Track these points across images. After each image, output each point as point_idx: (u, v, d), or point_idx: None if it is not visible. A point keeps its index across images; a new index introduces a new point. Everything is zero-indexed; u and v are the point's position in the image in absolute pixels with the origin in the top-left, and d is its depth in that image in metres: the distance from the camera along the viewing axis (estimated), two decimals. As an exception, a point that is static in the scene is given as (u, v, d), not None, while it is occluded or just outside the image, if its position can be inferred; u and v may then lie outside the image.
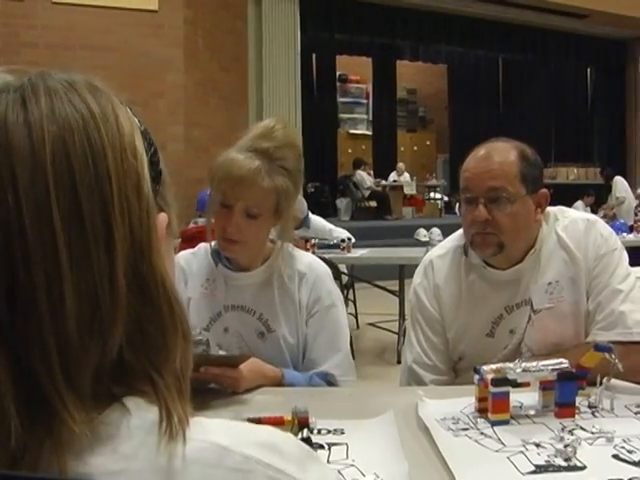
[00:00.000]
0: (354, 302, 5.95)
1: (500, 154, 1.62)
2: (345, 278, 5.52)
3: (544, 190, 1.67)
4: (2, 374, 0.48)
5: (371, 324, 5.92)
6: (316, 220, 5.70)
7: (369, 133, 15.52)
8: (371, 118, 15.56)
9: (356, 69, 15.69)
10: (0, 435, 0.47)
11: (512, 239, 1.62)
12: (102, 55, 7.19)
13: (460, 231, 1.78)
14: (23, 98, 0.52)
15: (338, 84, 15.27)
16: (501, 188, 1.59)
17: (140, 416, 0.52)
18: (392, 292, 5.35)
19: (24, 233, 0.48)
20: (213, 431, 0.54)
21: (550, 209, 1.73)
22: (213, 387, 1.50)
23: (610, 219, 8.06)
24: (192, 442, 0.51)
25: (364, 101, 16.11)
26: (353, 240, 5.47)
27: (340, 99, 15.49)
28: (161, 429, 0.51)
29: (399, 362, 4.28)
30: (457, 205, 2.02)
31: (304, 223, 5.51)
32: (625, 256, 1.68)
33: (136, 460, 0.50)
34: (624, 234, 6.62)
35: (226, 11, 8.93)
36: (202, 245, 1.75)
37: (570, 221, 1.70)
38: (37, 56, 7.06)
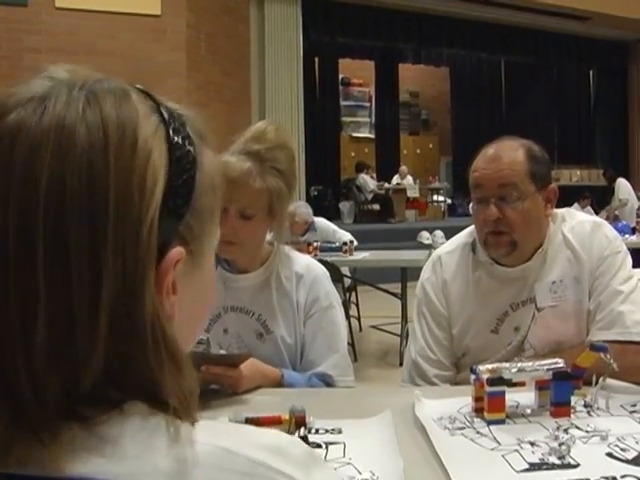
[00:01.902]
0: (357, 305, 5.97)
1: (508, 154, 1.65)
2: (348, 281, 5.54)
3: (552, 185, 1.70)
4: None
5: (374, 327, 5.92)
6: (320, 222, 5.78)
7: (372, 136, 15.52)
8: (374, 121, 15.56)
9: (359, 72, 15.71)
10: None
11: (524, 236, 1.65)
12: (105, 60, 7.22)
13: (469, 229, 1.81)
14: (44, 109, 0.50)
15: (341, 87, 15.30)
16: (511, 187, 1.62)
17: (141, 419, 0.51)
18: (395, 295, 5.36)
19: (6, 248, 0.48)
20: (219, 434, 0.53)
21: (558, 211, 1.76)
22: (214, 387, 1.52)
23: (612, 220, 8.06)
24: (197, 445, 0.51)
25: (367, 104, 16.13)
26: (355, 243, 5.50)
27: (343, 102, 15.50)
28: (165, 432, 0.51)
29: (402, 364, 4.29)
30: (470, 205, 2.02)
31: (311, 227, 5.57)
32: (629, 259, 1.70)
33: (140, 463, 0.49)
34: (627, 236, 6.62)
35: (228, 15, 8.97)
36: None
37: (577, 222, 1.72)
38: (40, 61, 7.05)
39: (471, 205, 1.73)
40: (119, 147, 0.50)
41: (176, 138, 0.55)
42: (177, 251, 0.54)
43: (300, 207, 5.62)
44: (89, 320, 0.49)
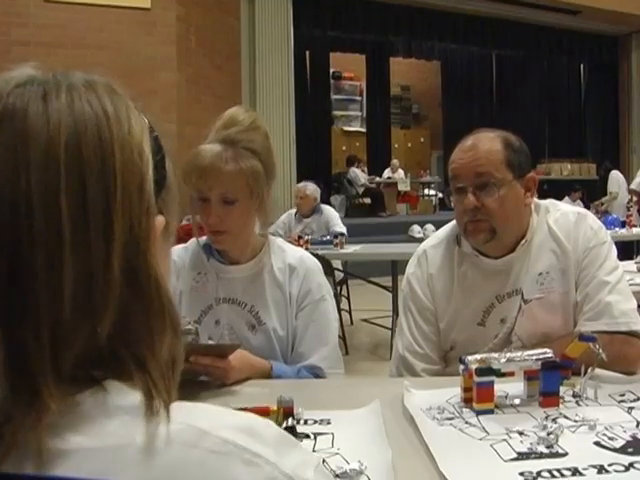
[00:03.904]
0: (348, 298, 5.97)
1: (485, 143, 1.66)
2: (339, 274, 5.54)
3: (532, 174, 1.70)
4: None
5: (365, 320, 5.93)
6: (327, 207, 6.06)
7: (363, 130, 15.52)
8: (365, 115, 15.57)
9: (350, 66, 15.69)
10: None
11: (503, 223, 1.65)
12: (95, 53, 7.18)
13: (453, 222, 1.81)
14: (45, 91, 0.56)
15: (332, 81, 15.29)
16: (487, 174, 1.63)
17: (121, 398, 0.54)
18: (385, 288, 5.37)
19: (31, 214, 0.51)
20: (193, 414, 0.55)
21: (541, 202, 1.76)
22: (202, 379, 1.51)
23: (602, 214, 8.08)
24: (172, 424, 0.53)
25: (358, 98, 16.11)
26: (346, 235, 5.51)
27: (334, 96, 15.50)
28: (141, 410, 0.53)
29: (392, 357, 4.29)
30: (449, 197, 2.01)
31: (317, 208, 5.77)
32: (614, 249, 1.70)
33: (114, 438, 0.51)
34: (616, 229, 6.65)
35: (219, 8, 8.92)
36: (194, 240, 1.77)
37: (561, 214, 1.72)
38: (29, 54, 7.04)
39: (450, 198, 1.74)
40: (117, 123, 0.57)
41: (149, 122, 0.63)
42: (160, 219, 0.61)
43: (309, 184, 5.95)
44: (104, 273, 0.53)
